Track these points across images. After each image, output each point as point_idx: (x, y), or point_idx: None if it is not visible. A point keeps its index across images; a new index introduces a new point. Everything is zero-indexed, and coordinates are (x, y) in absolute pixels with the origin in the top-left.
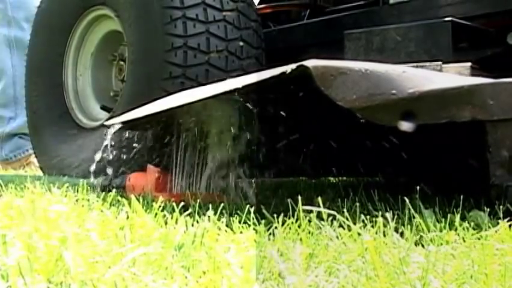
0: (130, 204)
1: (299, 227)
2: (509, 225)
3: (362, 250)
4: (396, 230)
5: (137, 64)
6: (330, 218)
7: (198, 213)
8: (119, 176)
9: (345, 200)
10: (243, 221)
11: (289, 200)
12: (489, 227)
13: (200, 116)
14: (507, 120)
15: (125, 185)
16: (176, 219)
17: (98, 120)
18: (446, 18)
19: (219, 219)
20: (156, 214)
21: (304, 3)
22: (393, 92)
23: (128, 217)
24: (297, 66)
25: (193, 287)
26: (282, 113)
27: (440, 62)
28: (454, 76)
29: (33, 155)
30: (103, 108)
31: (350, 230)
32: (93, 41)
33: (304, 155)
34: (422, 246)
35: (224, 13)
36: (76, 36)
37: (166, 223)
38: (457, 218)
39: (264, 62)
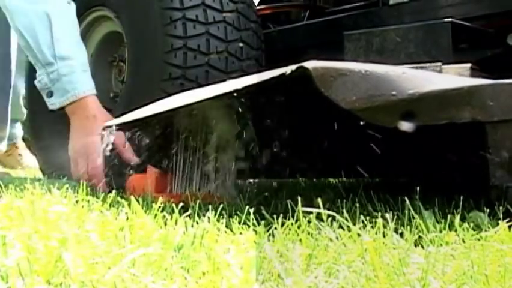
0: (129, 205)
1: (299, 227)
2: (509, 226)
3: (361, 251)
4: (396, 230)
5: (137, 65)
6: (330, 219)
7: (198, 214)
8: (120, 177)
9: (345, 200)
10: (242, 221)
11: (288, 201)
12: (489, 228)
13: (199, 117)
14: (507, 121)
15: (125, 186)
16: (176, 220)
17: None
18: (446, 19)
19: (218, 220)
20: (156, 215)
21: (304, 4)
22: (393, 93)
23: (127, 218)
24: (297, 68)
25: (193, 287)
26: (283, 113)
27: (439, 63)
28: (453, 77)
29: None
30: None
31: (349, 230)
32: (93, 42)
33: (304, 155)
34: (422, 247)
35: (224, 14)
36: None
37: (165, 224)
38: (457, 218)
39: (264, 63)
